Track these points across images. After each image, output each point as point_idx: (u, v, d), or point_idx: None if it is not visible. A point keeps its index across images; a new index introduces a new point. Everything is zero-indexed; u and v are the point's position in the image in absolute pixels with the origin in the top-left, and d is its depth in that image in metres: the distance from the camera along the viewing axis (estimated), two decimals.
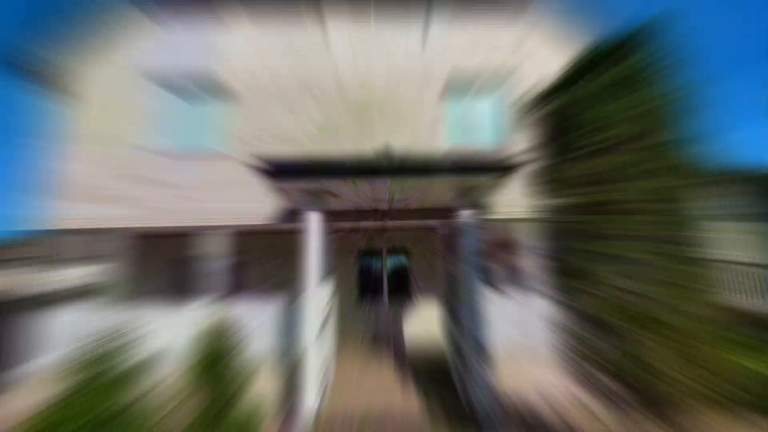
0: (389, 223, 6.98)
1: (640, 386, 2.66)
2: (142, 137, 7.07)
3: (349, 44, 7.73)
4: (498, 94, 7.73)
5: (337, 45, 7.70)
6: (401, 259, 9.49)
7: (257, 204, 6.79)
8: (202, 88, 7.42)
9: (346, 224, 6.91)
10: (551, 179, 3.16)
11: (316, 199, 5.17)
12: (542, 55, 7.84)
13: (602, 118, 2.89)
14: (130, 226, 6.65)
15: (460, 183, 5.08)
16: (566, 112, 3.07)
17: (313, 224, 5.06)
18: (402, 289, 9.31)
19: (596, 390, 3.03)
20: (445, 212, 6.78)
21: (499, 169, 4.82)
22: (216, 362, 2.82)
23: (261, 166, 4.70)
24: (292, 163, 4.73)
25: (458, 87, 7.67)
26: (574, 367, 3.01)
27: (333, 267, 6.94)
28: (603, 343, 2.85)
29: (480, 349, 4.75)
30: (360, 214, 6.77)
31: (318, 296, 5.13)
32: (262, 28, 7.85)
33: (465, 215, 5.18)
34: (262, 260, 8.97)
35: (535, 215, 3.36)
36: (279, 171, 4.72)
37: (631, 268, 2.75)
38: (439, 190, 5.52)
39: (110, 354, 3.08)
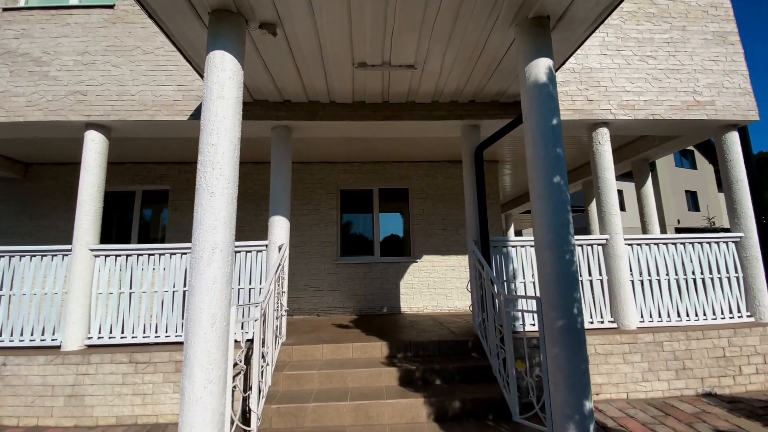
0: (384, 125, 4.16)
1: None
2: None
3: None
4: None
5: None
6: (397, 218, 6.79)
7: (169, 87, 3.91)
8: None
9: (310, 124, 4.05)
10: None
11: (233, 27, 2.30)
12: None
13: None
14: None
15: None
16: None
17: (230, 86, 2.23)
18: (399, 247, 6.73)
19: None
20: (480, 106, 4.02)
21: None
22: None
23: None
24: None
25: None
26: None
27: (290, 206, 4.27)
28: None
29: (554, 328, 2.20)
30: (334, 110, 3.94)
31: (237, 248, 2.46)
32: None
33: (532, 84, 2.40)
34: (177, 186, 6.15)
35: None
36: None
37: None
38: (475, 36, 2.68)
39: None
